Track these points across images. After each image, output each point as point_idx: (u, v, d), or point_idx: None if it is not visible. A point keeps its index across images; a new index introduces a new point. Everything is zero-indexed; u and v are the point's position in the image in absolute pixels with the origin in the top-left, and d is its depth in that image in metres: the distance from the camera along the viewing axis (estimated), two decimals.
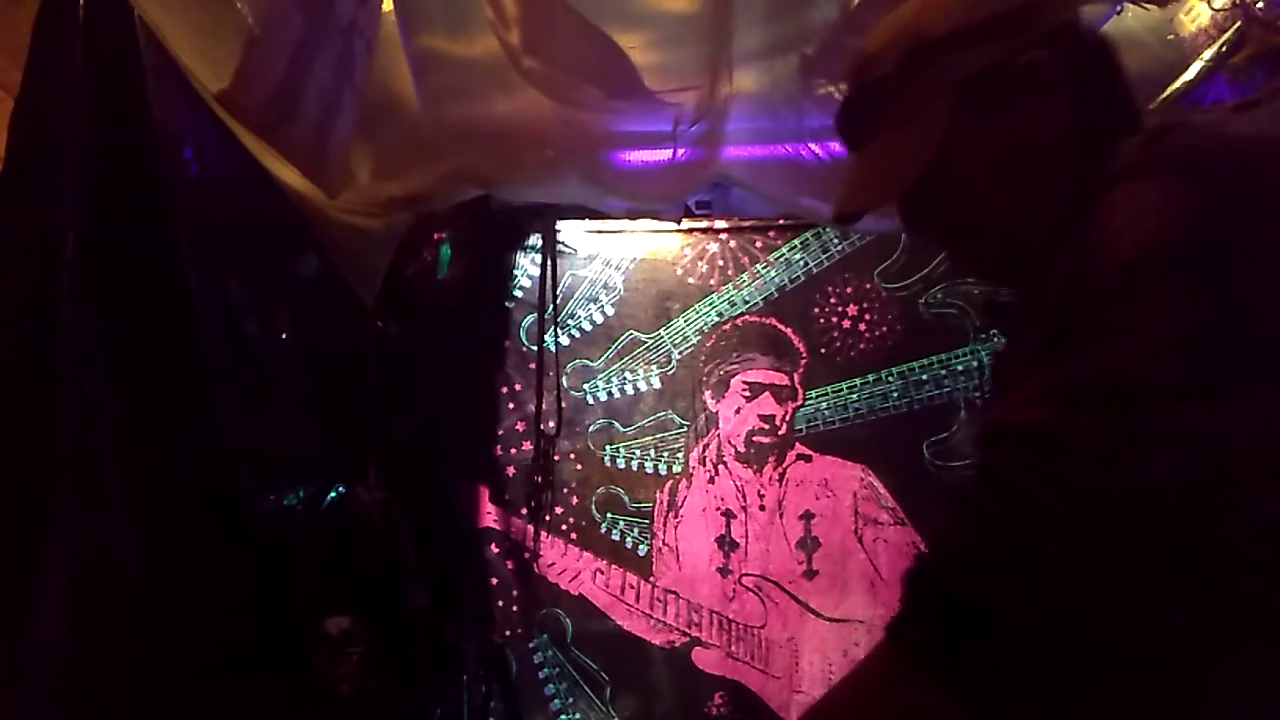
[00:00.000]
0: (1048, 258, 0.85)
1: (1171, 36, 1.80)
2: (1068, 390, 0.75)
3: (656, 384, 2.70)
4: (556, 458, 2.66)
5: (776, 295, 2.70)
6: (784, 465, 2.66)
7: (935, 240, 1.08)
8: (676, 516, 2.66)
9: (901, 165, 0.99)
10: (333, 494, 2.14)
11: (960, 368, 2.63)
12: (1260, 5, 1.71)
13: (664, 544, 2.65)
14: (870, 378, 2.65)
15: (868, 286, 2.68)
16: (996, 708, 0.76)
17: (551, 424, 2.66)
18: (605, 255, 2.73)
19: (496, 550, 2.65)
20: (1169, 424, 0.70)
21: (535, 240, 2.71)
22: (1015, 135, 0.95)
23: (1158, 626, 0.71)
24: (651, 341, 2.71)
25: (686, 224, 2.68)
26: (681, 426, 2.68)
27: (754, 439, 2.67)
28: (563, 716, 2.59)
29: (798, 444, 2.66)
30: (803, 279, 2.70)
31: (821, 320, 2.68)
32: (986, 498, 0.76)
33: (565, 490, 2.67)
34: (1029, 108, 0.94)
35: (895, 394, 2.64)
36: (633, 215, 2.55)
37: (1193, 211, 0.76)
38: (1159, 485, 0.69)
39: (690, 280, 2.72)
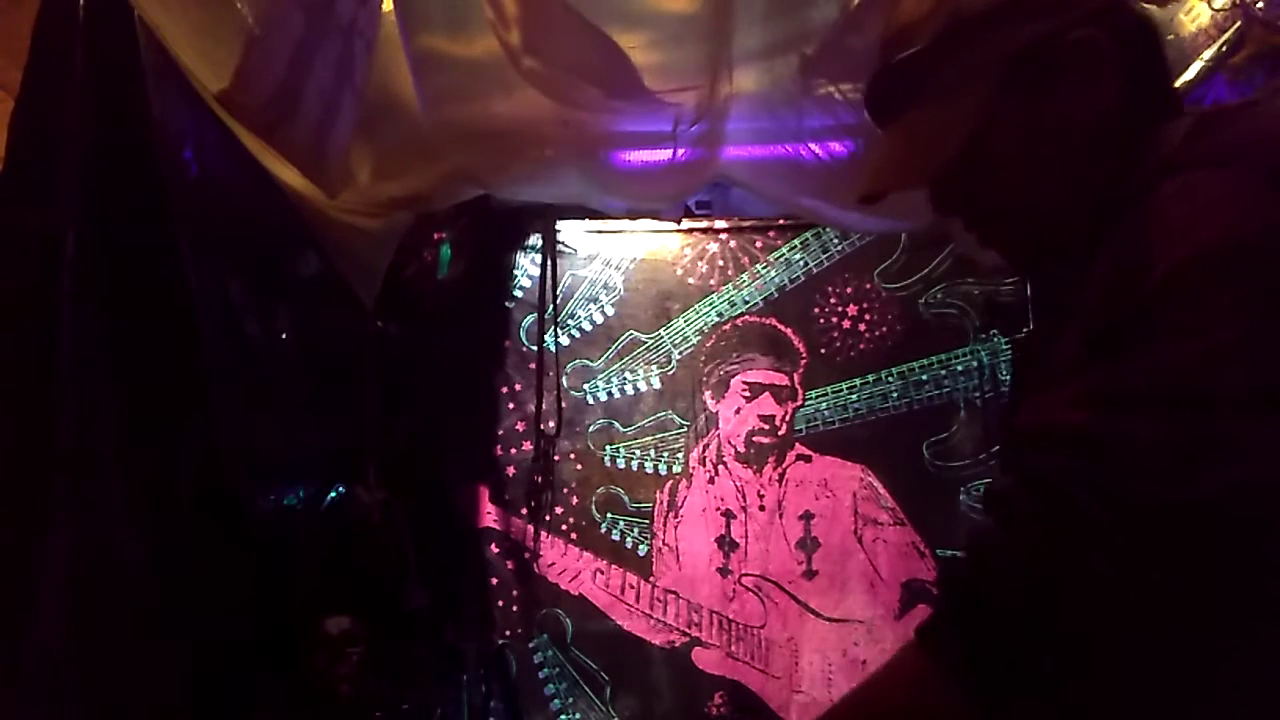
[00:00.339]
0: (1086, 246, 0.81)
1: (1171, 36, 1.80)
2: (1117, 394, 0.72)
3: (656, 384, 2.70)
4: (556, 458, 2.66)
5: (776, 295, 2.70)
6: (784, 465, 2.66)
7: (966, 224, 1.03)
8: (676, 516, 2.66)
9: (937, 144, 0.95)
10: (333, 494, 2.14)
11: (960, 368, 2.63)
12: (1260, 5, 1.71)
13: (664, 544, 2.65)
14: (870, 378, 2.65)
15: (868, 286, 2.68)
16: (1023, 713, 0.75)
17: (551, 424, 2.66)
18: (605, 255, 2.73)
19: (496, 550, 2.65)
20: (1228, 434, 0.66)
21: (535, 240, 2.71)
22: (1061, 116, 0.90)
23: (1193, 635, 0.69)
24: (651, 341, 2.71)
25: (686, 224, 2.68)
26: (681, 426, 2.68)
27: (754, 439, 2.67)
28: (563, 716, 2.59)
29: (797, 444, 2.66)
30: (803, 279, 2.70)
31: (821, 320, 2.68)
32: (1027, 502, 0.74)
33: (565, 490, 2.67)
34: (1077, 87, 0.89)
35: (895, 394, 2.64)
36: (633, 215, 2.55)
37: (1255, 206, 0.72)
38: (1211, 498, 0.65)
39: (690, 280, 2.72)
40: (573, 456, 2.68)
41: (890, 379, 2.64)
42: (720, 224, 2.72)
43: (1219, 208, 0.73)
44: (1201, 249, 0.72)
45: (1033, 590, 0.71)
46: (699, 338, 2.70)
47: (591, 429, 2.69)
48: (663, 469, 2.67)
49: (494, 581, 2.64)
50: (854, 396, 2.65)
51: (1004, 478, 0.79)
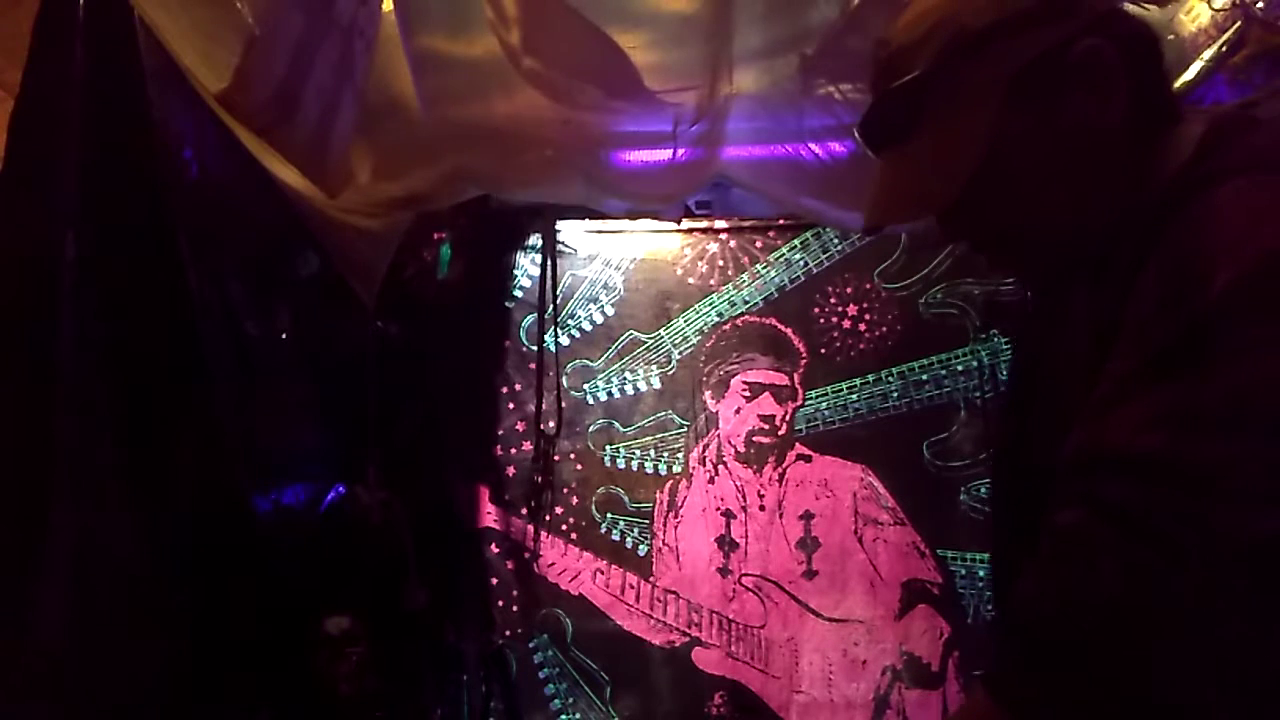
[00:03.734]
0: (1116, 257, 0.78)
1: (1171, 36, 1.80)
2: (1192, 415, 0.68)
3: (656, 384, 2.70)
4: (556, 458, 2.66)
5: (776, 295, 2.70)
6: (784, 465, 2.66)
7: (974, 247, 0.98)
8: (676, 516, 2.65)
9: (938, 171, 0.91)
10: (333, 494, 2.14)
11: (960, 368, 2.63)
12: (1260, 5, 1.71)
13: (664, 544, 2.65)
14: (870, 378, 2.65)
15: (868, 286, 2.68)
16: None
17: (551, 424, 2.66)
18: (605, 255, 2.73)
19: (496, 550, 2.65)
20: None
21: (535, 240, 2.71)
22: (1072, 129, 0.87)
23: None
24: (651, 341, 2.71)
25: (686, 224, 2.68)
26: (681, 426, 2.68)
27: (754, 439, 2.67)
28: (563, 716, 2.59)
29: (797, 444, 2.66)
30: (803, 279, 2.70)
31: (821, 320, 2.68)
32: (1109, 537, 0.68)
33: (565, 490, 2.67)
34: (1087, 99, 0.86)
35: (895, 394, 2.64)
36: (633, 215, 2.55)
37: None
38: None
39: (690, 280, 2.72)
40: (573, 456, 2.68)
41: (890, 379, 2.64)
42: (720, 224, 2.72)
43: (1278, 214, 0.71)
44: (1265, 257, 0.69)
45: (1125, 634, 0.67)
46: (699, 338, 2.70)
47: (591, 429, 2.69)
48: (663, 469, 2.67)
49: (494, 581, 2.64)
50: (854, 396, 2.65)
51: (1069, 509, 0.73)
